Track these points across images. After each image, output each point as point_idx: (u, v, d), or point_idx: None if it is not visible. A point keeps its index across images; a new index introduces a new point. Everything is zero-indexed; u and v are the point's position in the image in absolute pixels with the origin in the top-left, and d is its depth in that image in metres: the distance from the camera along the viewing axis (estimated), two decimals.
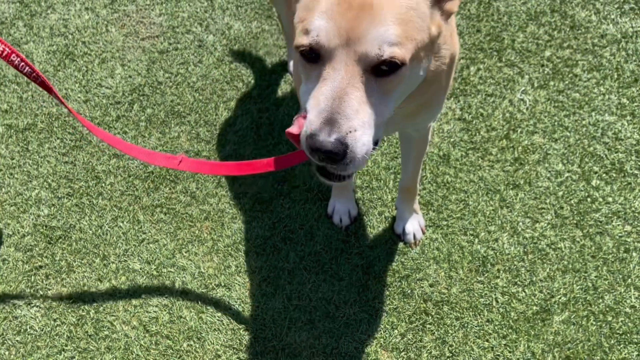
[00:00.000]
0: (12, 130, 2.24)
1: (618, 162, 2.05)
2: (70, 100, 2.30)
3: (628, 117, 2.14)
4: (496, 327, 1.78)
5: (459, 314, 1.81)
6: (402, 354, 1.76)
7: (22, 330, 1.83)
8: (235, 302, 1.86)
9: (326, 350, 1.77)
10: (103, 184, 2.10)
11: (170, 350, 1.79)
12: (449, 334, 1.78)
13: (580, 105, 2.19)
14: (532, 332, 1.77)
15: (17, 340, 1.81)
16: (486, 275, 1.87)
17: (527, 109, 2.20)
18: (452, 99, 2.23)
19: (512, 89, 2.25)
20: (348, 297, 1.85)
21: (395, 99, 1.07)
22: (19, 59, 1.44)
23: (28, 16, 2.54)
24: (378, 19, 0.97)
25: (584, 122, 2.15)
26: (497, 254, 1.91)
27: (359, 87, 0.99)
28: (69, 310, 1.86)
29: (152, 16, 2.53)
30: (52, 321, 1.84)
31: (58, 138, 2.21)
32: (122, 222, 2.02)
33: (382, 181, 2.07)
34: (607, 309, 1.79)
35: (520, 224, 1.96)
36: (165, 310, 1.85)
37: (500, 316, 1.80)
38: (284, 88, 2.32)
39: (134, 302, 1.87)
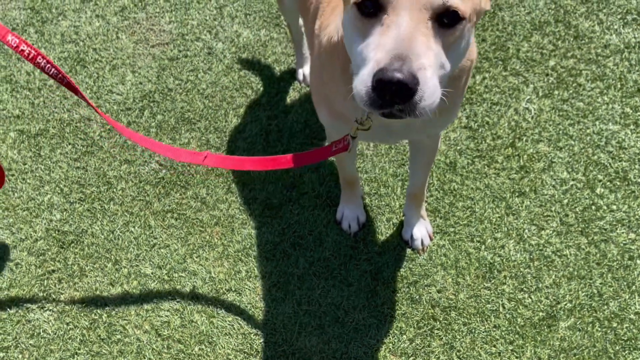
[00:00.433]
0: (24, 136, 2.26)
1: (622, 171, 2.09)
2: (82, 106, 2.33)
3: (631, 126, 2.18)
4: (503, 333, 1.81)
5: (466, 320, 1.84)
6: (411, 359, 1.79)
7: (35, 333, 1.85)
8: (246, 306, 1.89)
9: (336, 355, 1.80)
10: (114, 189, 2.13)
11: (182, 355, 1.81)
12: (457, 340, 1.81)
13: (584, 114, 2.23)
14: (539, 338, 1.80)
15: (30, 344, 1.84)
16: (493, 281, 1.90)
17: (532, 117, 2.23)
18: None
19: (517, 98, 2.28)
20: (357, 302, 1.88)
21: (452, 58, 1.05)
22: (44, 60, 1.48)
23: (39, 23, 2.58)
24: None
25: (588, 131, 2.19)
26: (504, 260, 1.94)
27: (426, 33, 0.98)
28: (82, 314, 1.88)
29: (162, 24, 2.56)
30: (65, 325, 1.87)
31: (70, 143, 2.24)
32: (134, 227, 2.05)
33: (390, 188, 2.10)
34: (612, 315, 1.83)
35: (526, 231, 1.99)
36: (176, 315, 1.88)
37: (507, 322, 1.83)
38: (292, 96, 2.35)
39: (145, 306, 1.90)
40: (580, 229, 1.98)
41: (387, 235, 2.01)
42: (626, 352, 1.77)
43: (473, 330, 1.82)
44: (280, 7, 2.15)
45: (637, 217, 1.99)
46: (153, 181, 2.15)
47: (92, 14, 2.59)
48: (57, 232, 2.05)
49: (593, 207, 2.02)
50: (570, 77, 2.32)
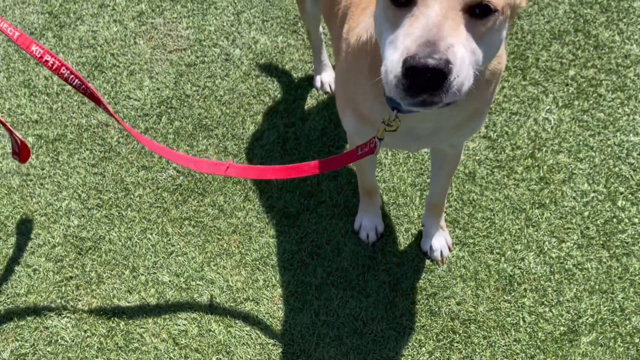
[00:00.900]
0: (43, 141, 2.26)
1: None
2: (99, 111, 2.33)
3: None
4: (524, 347, 1.79)
5: (486, 333, 1.82)
6: None
7: (53, 340, 1.85)
8: (264, 316, 1.88)
9: None
10: (132, 196, 2.13)
11: None
12: (477, 353, 1.79)
13: (605, 125, 2.21)
14: (560, 353, 1.78)
15: (48, 351, 1.84)
16: (513, 294, 1.88)
17: (551, 128, 2.21)
18: None
19: (537, 108, 2.26)
20: (375, 313, 1.87)
21: (484, 49, 1.04)
22: (68, 71, 1.48)
23: (57, 27, 2.58)
24: None
25: (609, 142, 2.17)
26: (524, 273, 1.92)
27: (456, 20, 0.97)
28: (99, 322, 1.88)
29: (180, 29, 2.56)
30: (83, 332, 1.86)
31: (87, 149, 2.24)
32: (151, 234, 2.05)
33: (408, 198, 2.09)
34: (635, 330, 1.80)
35: (547, 243, 1.97)
36: (194, 324, 1.87)
37: (527, 336, 1.81)
38: (309, 103, 2.34)
39: (163, 314, 1.89)
40: (601, 242, 1.96)
41: (406, 245, 2.00)
42: None
43: (493, 344, 1.81)
44: (302, 13, 2.14)
45: None
46: (170, 188, 2.14)
47: (110, 19, 2.59)
48: (74, 238, 2.05)
49: (614, 220, 2.00)
50: (591, 87, 2.30)
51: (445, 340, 1.82)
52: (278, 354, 1.81)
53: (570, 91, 2.30)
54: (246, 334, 1.85)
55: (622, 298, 1.86)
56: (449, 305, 1.87)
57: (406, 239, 2.01)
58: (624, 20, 2.47)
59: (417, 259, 1.97)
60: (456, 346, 1.81)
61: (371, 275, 1.94)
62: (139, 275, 1.97)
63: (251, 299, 1.91)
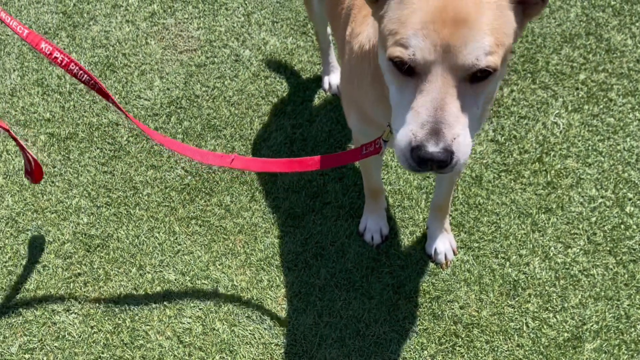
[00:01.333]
0: (54, 139, 2.30)
1: None
2: (110, 110, 2.37)
3: None
4: (527, 353, 1.79)
5: (489, 338, 1.82)
6: None
7: (60, 336, 1.89)
8: (267, 316, 1.89)
9: None
10: (140, 195, 2.16)
11: None
12: (479, 358, 1.79)
13: (614, 130, 2.19)
14: None
15: (55, 346, 1.87)
16: (517, 299, 1.88)
17: (560, 132, 2.20)
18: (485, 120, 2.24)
19: (546, 112, 2.25)
20: (378, 315, 1.87)
21: (484, 99, 1.11)
22: (77, 67, 1.51)
23: (71, 27, 2.62)
24: (473, 34, 1.01)
25: (618, 148, 2.15)
26: (529, 278, 1.91)
27: (455, 94, 1.03)
28: (106, 318, 1.91)
29: (190, 30, 2.59)
30: (90, 328, 1.90)
31: (98, 148, 2.28)
32: (158, 232, 2.07)
33: (413, 200, 2.09)
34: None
35: (552, 248, 1.96)
36: (198, 322, 1.89)
37: (530, 341, 1.80)
38: (317, 104, 2.35)
39: (168, 312, 1.91)
40: (608, 248, 1.95)
41: (410, 248, 2.00)
42: None
43: (496, 349, 1.80)
44: (310, 13, 2.15)
45: None
46: (178, 187, 2.17)
47: (123, 19, 2.63)
48: (84, 235, 2.08)
49: (622, 226, 1.98)
50: (601, 92, 2.28)
51: (448, 344, 1.82)
52: (281, 354, 1.83)
53: (580, 95, 2.28)
54: (249, 334, 1.87)
55: (628, 305, 1.84)
56: (452, 308, 1.87)
57: (411, 242, 2.01)
58: (637, 24, 2.44)
59: (422, 262, 1.97)
60: (458, 350, 1.81)
61: (375, 278, 1.94)
62: (145, 273, 2.00)
63: (255, 298, 1.93)
